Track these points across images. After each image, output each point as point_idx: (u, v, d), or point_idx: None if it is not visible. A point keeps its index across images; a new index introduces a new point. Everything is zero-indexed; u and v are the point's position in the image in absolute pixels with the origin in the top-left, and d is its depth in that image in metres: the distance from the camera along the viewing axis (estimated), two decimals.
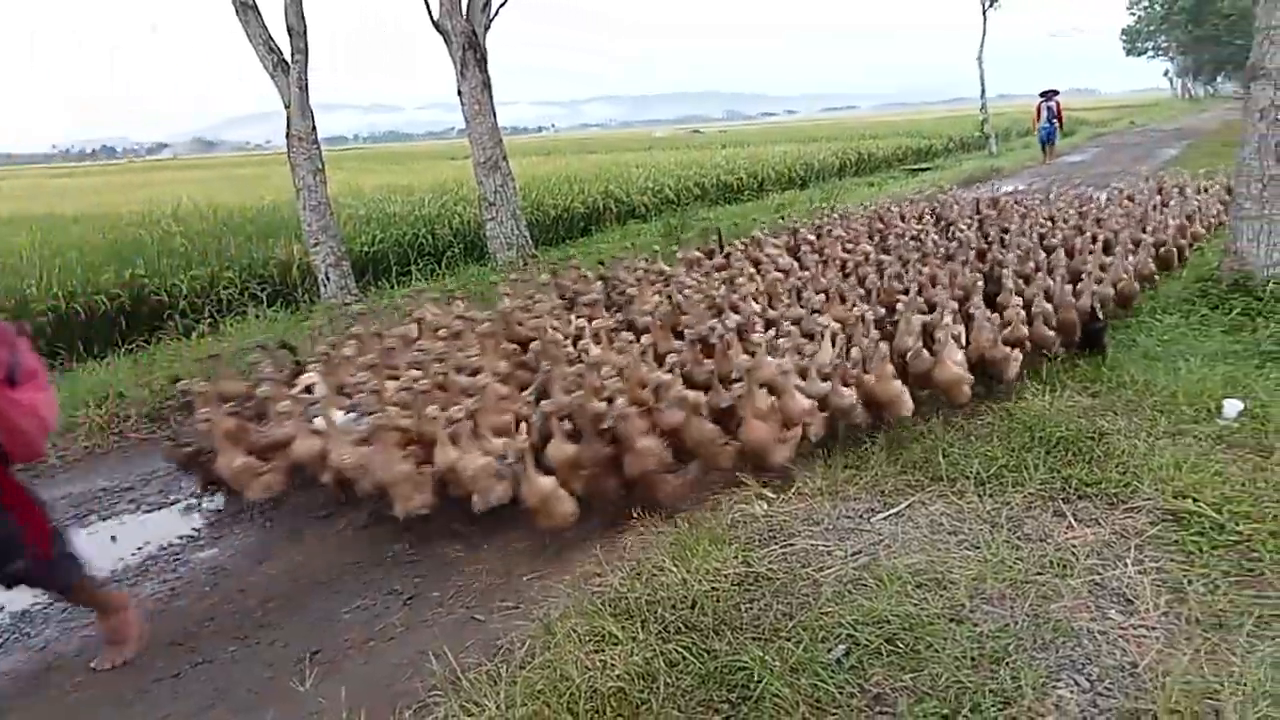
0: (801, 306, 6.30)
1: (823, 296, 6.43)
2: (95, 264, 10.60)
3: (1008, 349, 5.65)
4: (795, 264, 7.81)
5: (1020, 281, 6.53)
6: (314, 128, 10.25)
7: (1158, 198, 10.52)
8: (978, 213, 10.26)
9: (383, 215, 14.38)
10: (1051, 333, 6.01)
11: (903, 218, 10.21)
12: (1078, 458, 4.73)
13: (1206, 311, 7.10)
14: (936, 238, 8.45)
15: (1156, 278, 7.86)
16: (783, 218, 10.91)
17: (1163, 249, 8.39)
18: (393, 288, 11.24)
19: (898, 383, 5.09)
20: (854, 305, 6.29)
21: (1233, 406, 5.13)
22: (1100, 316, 6.27)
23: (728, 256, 8.44)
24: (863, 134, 36.51)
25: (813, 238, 9.21)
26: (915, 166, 27.67)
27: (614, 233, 15.93)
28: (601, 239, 15.16)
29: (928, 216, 10.17)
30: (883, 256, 7.70)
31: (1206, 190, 11.66)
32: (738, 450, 4.68)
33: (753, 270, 7.68)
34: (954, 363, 5.31)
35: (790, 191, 21.33)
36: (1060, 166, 22.82)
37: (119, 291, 10.01)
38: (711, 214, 16.71)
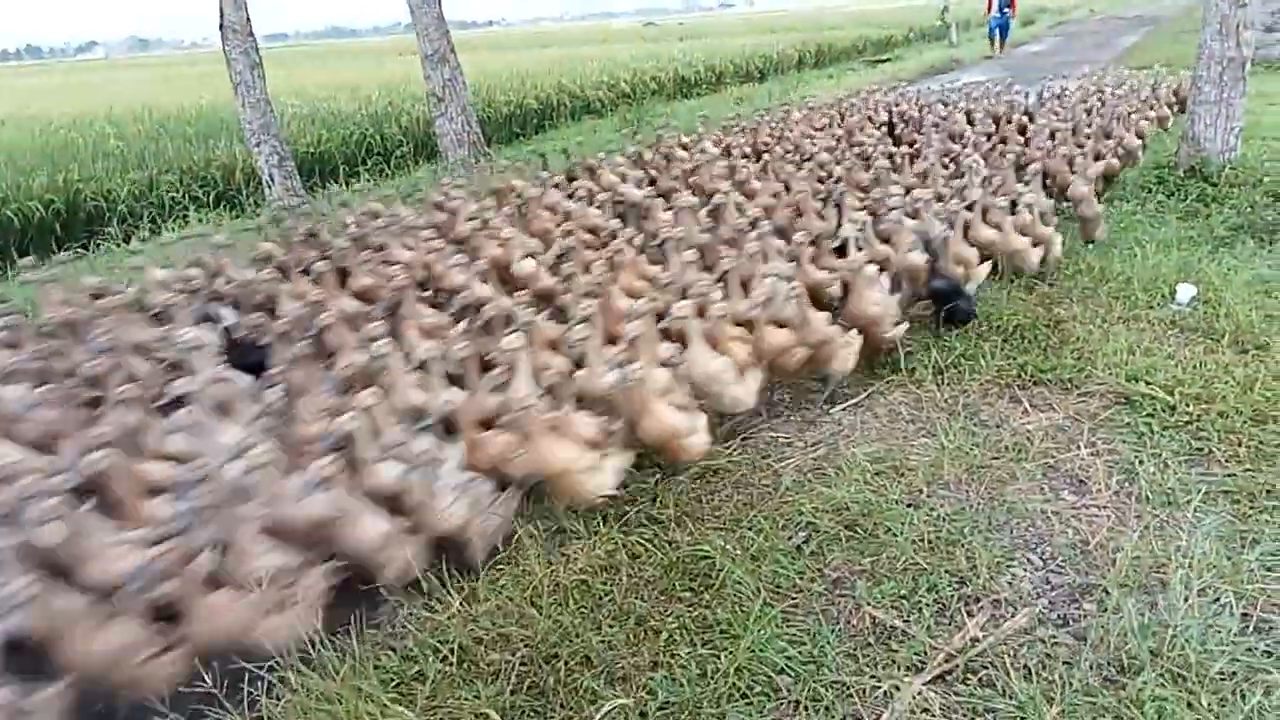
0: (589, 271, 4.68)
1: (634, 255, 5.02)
2: (27, 168, 10.20)
3: (835, 333, 4.24)
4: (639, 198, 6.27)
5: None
6: (248, 19, 9.70)
7: (1095, 101, 9.31)
8: (889, 122, 9.16)
9: (328, 114, 13.91)
10: (876, 309, 4.42)
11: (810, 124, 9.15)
12: (1033, 345, 4.77)
13: (1163, 198, 7.11)
14: (827, 156, 7.22)
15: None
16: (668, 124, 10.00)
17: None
18: (342, 188, 10.91)
19: (568, 449, 3.33)
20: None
21: (1186, 292, 5.17)
22: (954, 280, 4.88)
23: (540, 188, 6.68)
24: (822, 25, 35.73)
25: (684, 153, 7.98)
26: (876, 58, 27.15)
27: (569, 129, 15.56)
28: (557, 135, 14.81)
29: (833, 125, 9.11)
30: (755, 182, 6.60)
31: (1150, 90, 10.42)
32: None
33: (575, 208, 6.19)
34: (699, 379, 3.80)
35: (748, 85, 20.90)
36: (1021, 56, 22.53)
37: (53, 196, 9.66)
38: (669, 108, 16.34)
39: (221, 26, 9.58)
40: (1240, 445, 3.66)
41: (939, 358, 4.67)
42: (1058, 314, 5.10)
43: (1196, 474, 3.53)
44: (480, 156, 11.53)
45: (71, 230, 9.51)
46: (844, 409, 4.35)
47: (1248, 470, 3.50)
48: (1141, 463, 3.61)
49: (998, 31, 23.04)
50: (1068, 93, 10.19)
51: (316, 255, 5.26)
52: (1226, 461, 3.58)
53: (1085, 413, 4.08)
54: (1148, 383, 4.18)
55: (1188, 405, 3.97)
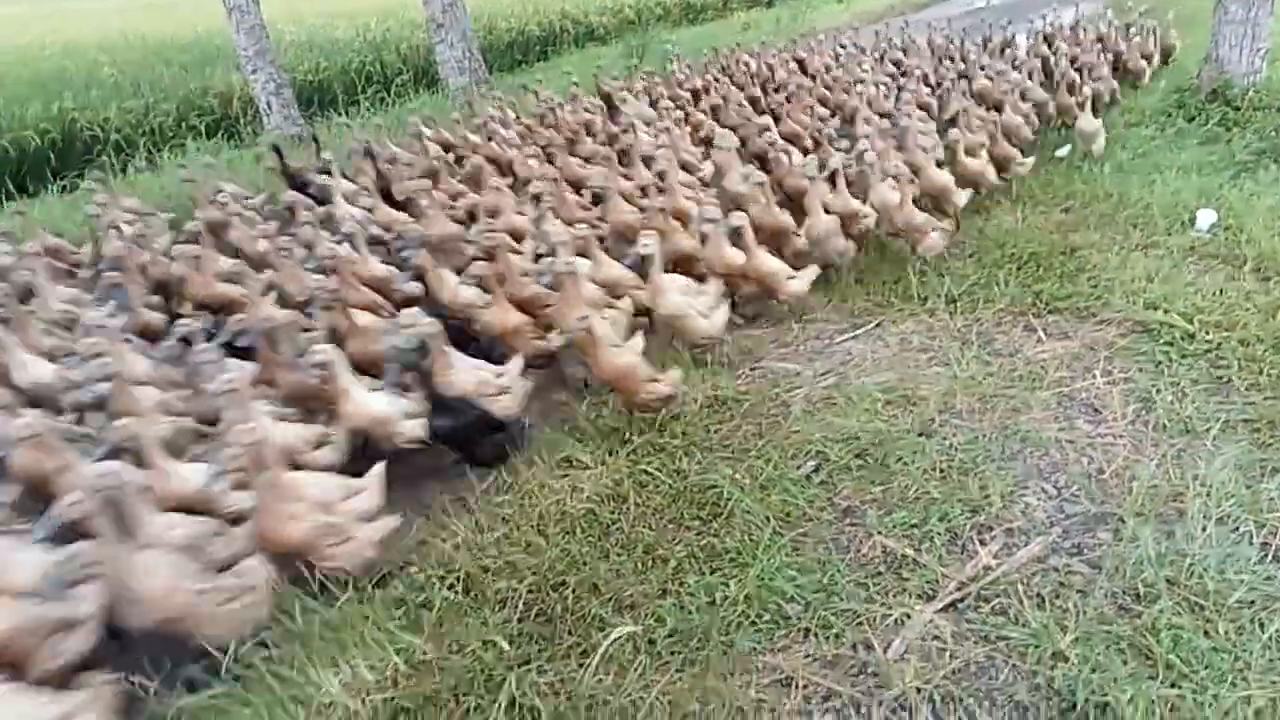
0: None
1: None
2: (20, 97, 9.98)
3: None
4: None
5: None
6: None
7: (1047, 52, 7.80)
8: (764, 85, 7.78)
9: (325, 42, 13.62)
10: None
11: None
12: (1049, 273, 4.66)
13: (1183, 124, 6.89)
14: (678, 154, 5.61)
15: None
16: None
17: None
18: (342, 116, 10.69)
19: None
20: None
21: (1206, 218, 5.03)
22: (470, 409, 3.28)
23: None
24: None
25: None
26: None
27: (572, 55, 15.21)
28: (560, 62, 14.46)
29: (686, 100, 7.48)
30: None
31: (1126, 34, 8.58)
32: None
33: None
34: None
35: (756, 10, 20.34)
36: None
37: (48, 126, 9.47)
38: (674, 35, 15.93)
39: None
40: (1261, 373, 3.56)
41: (952, 286, 4.56)
42: (1074, 241, 4.98)
43: (1215, 403, 3.45)
44: (481, 84, 11.27)
45: (67, 160, 9.33)
46: (854, 338, 4.27)
47: (1268, 399, 3.42)
48: (1159, 391, 3.53)
49: None
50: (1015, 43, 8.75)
51: None
52: (1246, 390, 3.50)
53: (1102, 341, 3.99)
54: (1166, 310, 4.07)
55: (1207, 333, 3.87)
